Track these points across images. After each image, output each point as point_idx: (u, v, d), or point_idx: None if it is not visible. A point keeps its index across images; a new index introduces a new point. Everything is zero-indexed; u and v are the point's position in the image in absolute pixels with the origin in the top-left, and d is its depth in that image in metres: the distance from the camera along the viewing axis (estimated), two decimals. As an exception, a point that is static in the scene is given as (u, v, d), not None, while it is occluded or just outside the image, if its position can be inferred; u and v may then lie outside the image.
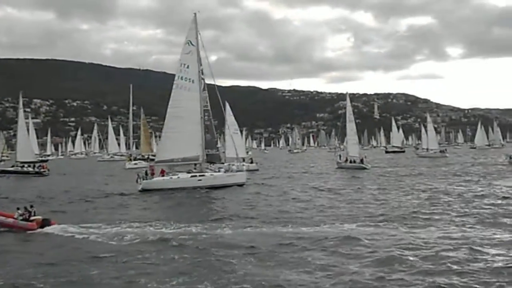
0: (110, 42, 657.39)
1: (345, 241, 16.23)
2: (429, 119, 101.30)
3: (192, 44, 37.77)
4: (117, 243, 16.94)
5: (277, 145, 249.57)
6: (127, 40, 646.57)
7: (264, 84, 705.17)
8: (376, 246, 15.46)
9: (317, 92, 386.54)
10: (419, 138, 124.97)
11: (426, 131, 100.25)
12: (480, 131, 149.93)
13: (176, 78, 37.58)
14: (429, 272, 12.46)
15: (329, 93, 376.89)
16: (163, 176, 36.28)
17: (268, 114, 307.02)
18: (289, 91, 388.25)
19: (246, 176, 39.22)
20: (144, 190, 34.18)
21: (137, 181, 35.42)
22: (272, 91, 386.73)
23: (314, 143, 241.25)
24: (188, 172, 37.31)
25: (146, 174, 36.20)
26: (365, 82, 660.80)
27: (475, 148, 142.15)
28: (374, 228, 18.53)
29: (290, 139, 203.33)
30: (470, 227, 18.42)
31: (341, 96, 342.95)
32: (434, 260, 13.53)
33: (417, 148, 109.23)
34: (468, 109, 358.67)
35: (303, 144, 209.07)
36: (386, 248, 15.15)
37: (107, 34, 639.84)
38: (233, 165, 42.71)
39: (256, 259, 14.20)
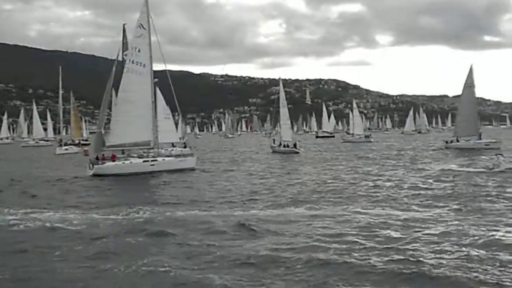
0: (35, 23, 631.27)
1: (288, 223, 16.49)
2: (354, 105, 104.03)
3: (144, 28, 36.99)
4: (59, 230, 16.00)
5: (210, 130, 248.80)
6: (53, 21, 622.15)
7: (196, 69, 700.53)
8: (315, 227, 15.77)
9: (249, 77, 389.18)
10: (349, 123, 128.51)
11: (352, 116, 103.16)
12: (410, 117, 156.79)
13: (127, 62, 36.78)
14: (354, 252, 12.79)
15: (262, 78, 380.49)
16: (114, 161, 35.61)
17: (201, 99, 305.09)
18: (222, 76, 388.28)
19: (195, 161, 39.31)
20: (95, 175, 33.39)
21: (89, 167, 34.65)
22: (204, 76, 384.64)
23: (247, 128, 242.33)
24: (140, 157, 37.04)
25: (97, 159, 35.42)
26: (297, 67, 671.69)
27: (403, 133, 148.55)
28: (310, 210, 18.88)
29: (223, 124, 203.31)
30: (398, 208, 19.17)
31: (273, 82, 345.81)
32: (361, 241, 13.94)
33: (348, 133, 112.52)
34: (396, 96, 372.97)
35: (236, 129, 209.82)
36: (318, 229, 15.61)
37: (32, 14, 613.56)
38: (164, 149, 42.34)
39: (208, 242, 14.03)
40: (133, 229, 15.96)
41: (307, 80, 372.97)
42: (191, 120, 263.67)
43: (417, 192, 23.56)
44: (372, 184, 27.02)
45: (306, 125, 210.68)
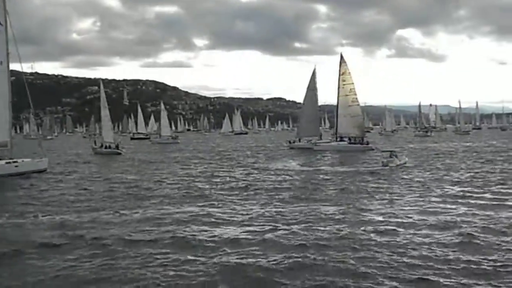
0: None
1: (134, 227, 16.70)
2: (162, 107, 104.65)
3: (1, 24, 35.34)
4: None
5: (19, 131, 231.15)
6: None
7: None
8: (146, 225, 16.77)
9: (62, 76, 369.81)
10: (170, 125, 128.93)
11: (160, 118, 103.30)
12: (227, 119, 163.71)
13: None
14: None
15: (76, 77, 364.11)
16: None
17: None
18: (32, 74, 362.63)
19: (47, 162, 38.60)
20: None
21: None
22: (11, 74, 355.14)
23: (62, 129, 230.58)
24: (1, 159, 35.47)
25: None
26: (114, 67, 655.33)
27: (220, 134, 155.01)
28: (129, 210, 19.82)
29: (30, 125, 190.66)
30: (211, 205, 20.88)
31: (89, 81, 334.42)
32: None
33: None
34: (214, 98, 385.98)
35: (54, 131, 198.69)
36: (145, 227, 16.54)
37: None
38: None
39: (59, 251, 13.79)
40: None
41: (124, 80, 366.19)
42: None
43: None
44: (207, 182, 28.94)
45: (122, 127, 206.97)
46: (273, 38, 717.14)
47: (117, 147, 60.02)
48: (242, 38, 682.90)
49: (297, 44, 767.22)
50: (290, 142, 67.53)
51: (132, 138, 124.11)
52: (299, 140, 65.90)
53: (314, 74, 66.00)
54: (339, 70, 60.84)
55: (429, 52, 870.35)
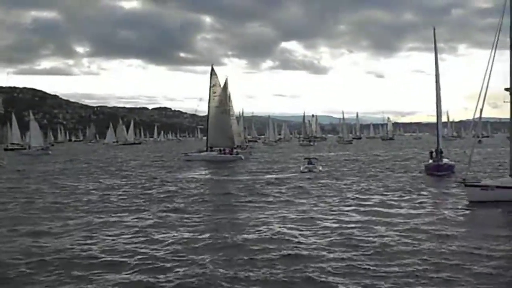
0: None
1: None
2: (31, 116, 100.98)
3: None
4: None
5: None
6: None
7: None
8: None
9: None
10: (52, 135, 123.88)
11: (34, 127, 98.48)
12: (111, 129, 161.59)
13: None
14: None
15: None
16: None
17: None
18: None
19: None
20: None
21: None
22: None
23: None
24: None
25: None
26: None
27: (104, 144, 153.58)
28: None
29: None
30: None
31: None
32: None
33: (52, 145, 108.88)
34: (97, 107, 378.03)
35: None
36: None
37: None
38: None
39: None
40: None
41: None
42: None
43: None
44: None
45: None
46: (157, 47, 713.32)
47: (-3, 158, 59.25)
48: (125, 47, 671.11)
49: (182, 54, 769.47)
50: (200, 152, 64.73)
51: (5, 149, 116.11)
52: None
53: (226, 84, 66.50)
54: (210, 82, 63.34)
55: (312, 64, 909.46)
